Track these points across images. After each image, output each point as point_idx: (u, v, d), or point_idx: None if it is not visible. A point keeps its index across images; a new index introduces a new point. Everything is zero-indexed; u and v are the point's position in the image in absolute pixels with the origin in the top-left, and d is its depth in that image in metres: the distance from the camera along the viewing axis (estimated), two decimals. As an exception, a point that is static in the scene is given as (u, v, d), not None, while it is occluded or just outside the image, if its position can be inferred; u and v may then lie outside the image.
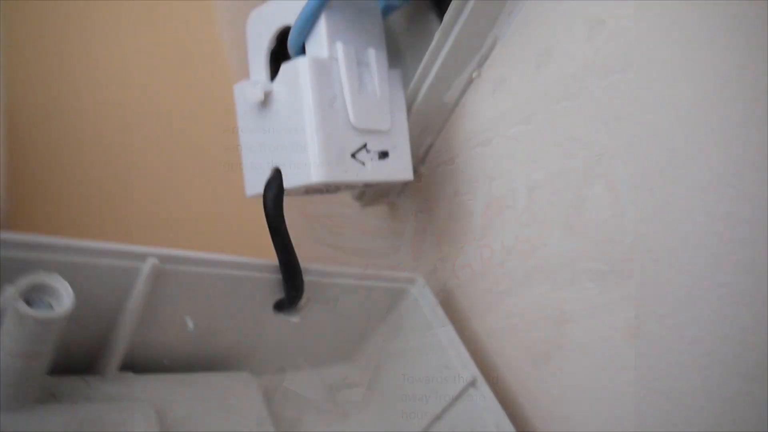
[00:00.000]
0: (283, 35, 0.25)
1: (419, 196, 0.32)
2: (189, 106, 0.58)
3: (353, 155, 0.24)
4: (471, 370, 0.27)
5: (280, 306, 0.26)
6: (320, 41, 0.24)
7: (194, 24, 0.61)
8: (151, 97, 0.55)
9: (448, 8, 0.24)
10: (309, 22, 0.24)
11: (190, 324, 0.24)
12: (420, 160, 0.30)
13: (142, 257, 0.21)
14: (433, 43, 0.25)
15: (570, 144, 0.23)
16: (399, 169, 0.26)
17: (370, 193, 0.33)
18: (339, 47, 0.24)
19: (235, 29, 0.64)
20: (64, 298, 0.19)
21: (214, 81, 0.63)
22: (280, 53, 0.26)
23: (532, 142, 0.25)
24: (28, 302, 0.18)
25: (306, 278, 0.25)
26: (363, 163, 0.24)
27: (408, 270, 0.31)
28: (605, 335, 0.23)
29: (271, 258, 0.25)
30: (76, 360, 0.23)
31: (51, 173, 0.51)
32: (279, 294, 0.26)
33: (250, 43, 0.27)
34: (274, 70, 0.26)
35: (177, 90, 0.59)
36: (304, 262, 0.25)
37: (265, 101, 0.24)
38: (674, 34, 0.20)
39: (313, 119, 0.23)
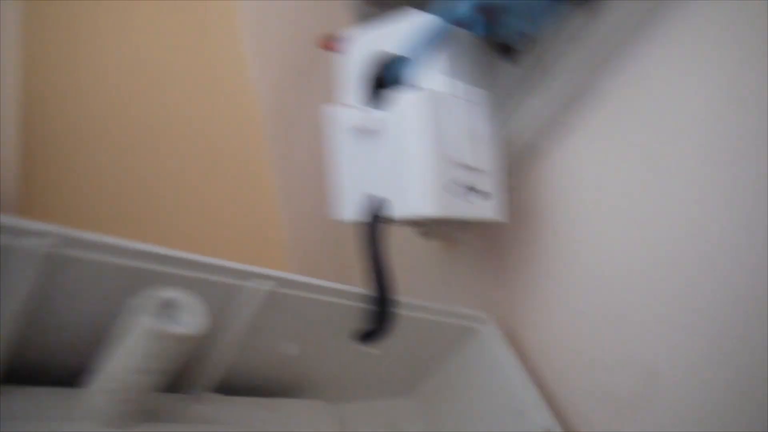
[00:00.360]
0: (384, 62, 0.26)
1: (489, 236, 0.32)
2: (209, 112, 0.59)
3: (461, 193, 0.24)
4: (546, 419, 0.26)
5: (366, 336, 0.26)
6: (437, 75, 0.24)
7: (215, 30, 0.63)
8: (172, 104, 0.56)
9: (557, 57, 0.25)
10: (427, 56, 0.24)
11: (294, 349, 0.23)
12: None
13: (263, 278, 0.21)
14: (542, 95, 0.26)
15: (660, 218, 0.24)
16: (498, 209, 0.26)
17: (436, 229, 0.33)
18: (451, 82, 0.24)
19: (257, 38, 0.65)
20: (197, 315, 0.18)
21: (236, 88, 0.64)
22: (379, 80, 0.26)
23: (627, 207, 0.25)
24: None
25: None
26: (469, 202, 0.25)
27: (472, 308, 0.30)
28: (702, 390, 0.23)
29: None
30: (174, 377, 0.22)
31: (65, 163, 0.50)
32: (356, 323, 0.25)
33: (346, 66, 0.27)
34: (370, 97, 0.26)
35: (199, 97, 0.59)
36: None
37: (372, 129, 0.24)
38: None
39: (429, 154, 0.23)
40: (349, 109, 0.26)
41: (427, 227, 0.33)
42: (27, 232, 0.17)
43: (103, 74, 0.53)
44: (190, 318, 0.18)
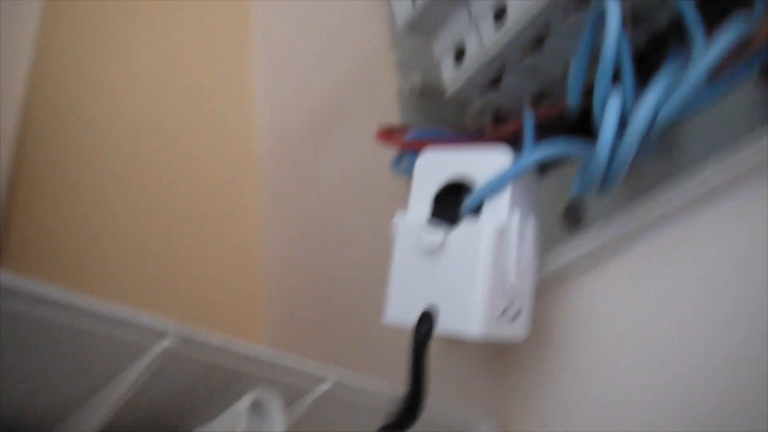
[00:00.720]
0: (459, 186, 0.28)
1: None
2: (206, 163, 0.58)
3: (500, 315, 0.27)
4: None
5: (390, 428, 0.27)
6: (502, 208, 0.26)
7: (223, 68, 0.62)
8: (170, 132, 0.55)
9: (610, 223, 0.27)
10: (497, 190, 0.26)
11: None
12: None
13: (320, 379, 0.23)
14: (590, 233, 0.28)
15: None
16: (520, 328, 0.29)
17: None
18: (515, 217, 0.27)
19: (271, 83, 0.65)
20: (277, 416, 0.20)
21: (239, 133, 0.63)
22: (445, 197, 0.28)
23: (631, 344, 0.28)
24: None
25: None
26: (504, 323, 0.27)
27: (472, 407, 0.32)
28: None
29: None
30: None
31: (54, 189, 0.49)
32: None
33: (417, 179, 0.29)
34: (436, 212, 0.28)
35: (198, 148, 0.58)
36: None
37: (436, 250, 0.27)
38: None
39: (484, 281, 0.25)
40: (420, 223, 0.28)
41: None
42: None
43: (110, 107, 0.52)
44: (270, 417, 0.20)
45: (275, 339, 0.56)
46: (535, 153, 0.26)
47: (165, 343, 0.18)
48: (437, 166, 0.29)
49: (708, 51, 0.21)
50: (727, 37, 0.20)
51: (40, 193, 0.47)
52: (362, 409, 0.25)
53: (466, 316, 0.25)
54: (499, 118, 0.35)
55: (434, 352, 0.38)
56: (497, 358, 0.34)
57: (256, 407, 0.20)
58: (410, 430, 0.29)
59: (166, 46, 0.58)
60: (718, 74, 0.23)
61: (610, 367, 0.29)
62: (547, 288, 0.32)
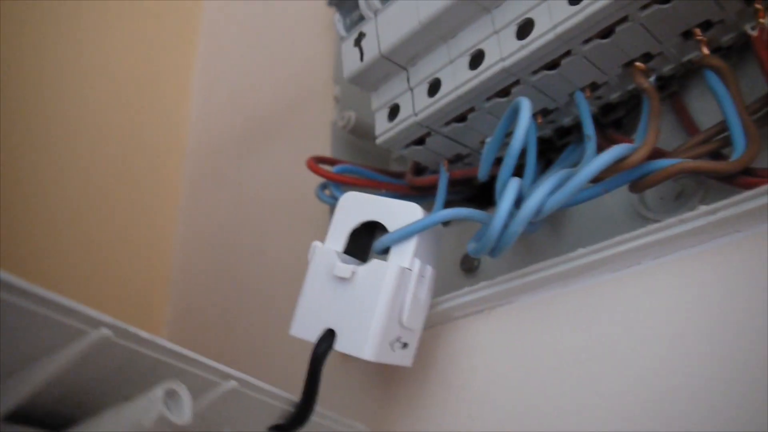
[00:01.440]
0: (373, 229, 0.32)
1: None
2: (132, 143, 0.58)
3: (390, 344, 0.31)
4: None
5: (278, 429, 0.31)
6: (406, 253, 0.31)
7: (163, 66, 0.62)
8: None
9: (500, 276, 0.32)
10: (405, 238, 0.31)
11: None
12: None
13: (224, 377, 0.26)
14: (476, 286, 0.33)
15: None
16: (407, 357, 0.33)
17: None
18: (417, 263, 0.31)
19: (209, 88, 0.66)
20: (186, 408, 0.23)
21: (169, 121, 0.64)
22: (359, 233, 0.32)
23: (501, 386, 0.33)
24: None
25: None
26: (393, 351, 0.31)
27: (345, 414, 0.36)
28: None
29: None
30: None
31: None
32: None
33: (337, 215, 0.33)
34: (350, 245, 0.32)
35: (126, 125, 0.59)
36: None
37: (344, 278, 0.30)
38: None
39: (382, 313, 0.30)
40: (333, 253, 0.31)
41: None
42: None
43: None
44: (179, 408, 0.23)
45: (172, 335, 0.58)
46: (441, 214, 0.30)
47: (103, 331, 0.21)
48: (358, 206, 0.33)
49: (592, 163, 0.26)
50: (608, 157, 0.26)
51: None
52: (258, 408, 0.28)
53: (362, 340, 0.29)
54: (418, 170, 0.40)
55: (334, 364, 0.42)
56: (388, 378, 0.38)
57: (170, 395, 0.23)
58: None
59: (109, 40, 0.59)
60: (601, 177, 0.29)
61: (481, 397, 0.34)
62: (439, 323, 0.36)
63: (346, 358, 0.42)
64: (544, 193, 0.27)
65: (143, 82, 0.62)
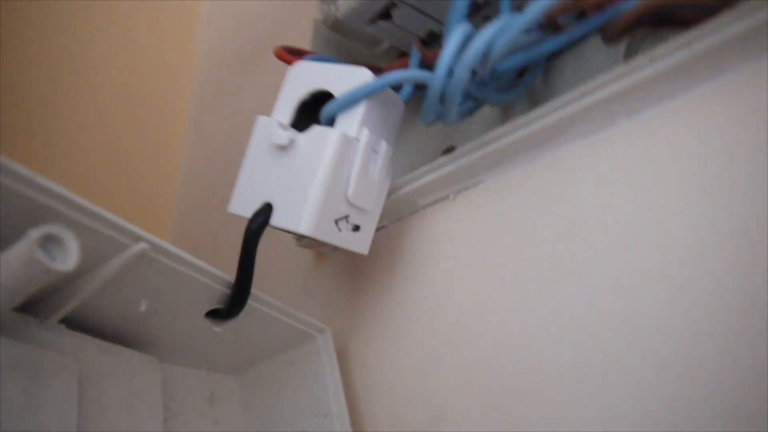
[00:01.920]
0: (318, 94, 0.29)
1: (352, 259, 0.36)
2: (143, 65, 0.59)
3: (336, 221, 0.28)
4: (345, 426, 0.31)
5: (215, 314, 0.29)
6: (352, 121, 0.28)
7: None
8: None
9: (462, 146, 0.29)
10: (351, 104, 0.28)
11: (144, 306, 0.26)
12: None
13: (136, 238, 0.23)
14: (437, 161, 0.30)
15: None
16: (361, 242, 0.30)
17: (310, 240, 0.36)
18: (365, 132, 0.28)
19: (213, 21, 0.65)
20: (71, 255, 0.21)
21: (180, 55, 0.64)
22: (306, 105, 0.30)
23: (469, 272, 0.30)
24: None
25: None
26: (340, 230, 0.28)
27: (315, 316, 0.34)
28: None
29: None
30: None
31: None
32: (217, 303, 0.28)
33: (285, 86, 0.30)
34: (297, 118, 0.29)
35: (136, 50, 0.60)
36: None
37: (285, 146, 0.28)
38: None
39: (322, 183, 0.27)
40: (274, 122, 0.29)
41: (305, 240, 0.36)
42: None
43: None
44: (65, 255, 0.21)
45: (176, 238, 0.57)
46: (388, 76, 0.27)
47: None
48: (307, 75, 0.30)
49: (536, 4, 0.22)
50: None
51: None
52: (189, 288, 0.26)
53: (299, 213, 0.27)
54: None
55: (306, 266, 0.40)
56: (358, 279, 0.36)
57: (51, 240, 0.21)
58: (256, 323, 0.30)
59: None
60: (563, 28, 0.25)
61: (449, 288, 0.31)
62: (406, 215, 0.33)
63: (318, 261, 0.39)
64: (490, 33, 0.23)
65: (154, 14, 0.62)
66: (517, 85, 0.31)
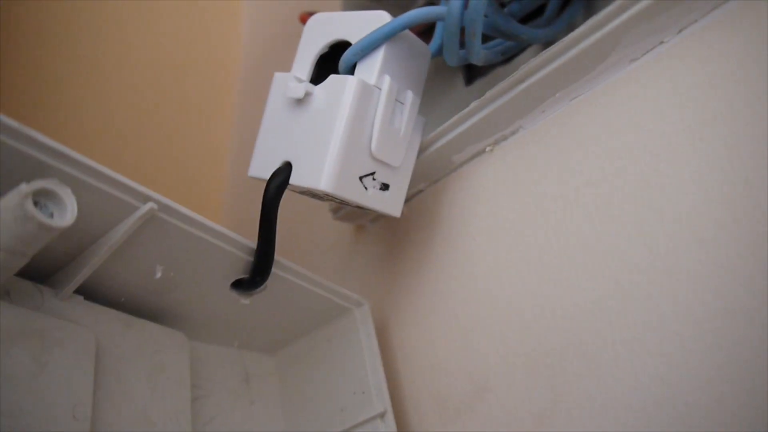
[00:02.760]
0: (335, 46, 0.27)
1: (391, 230, 0.34)
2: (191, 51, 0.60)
3: (361, 178, 0.26)
4: (385, 403, 0.29)
5: (239, 285, 0.27)
6: (372, 68, 0.26)
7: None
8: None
9: (494, 87, 0.26)
10: (369, 49, 0.25)
11: (159, 273, 0.24)
12: (406, 199, 0.32)
13: (144, 198, 0.22)
14: (467, 109, 0.27)
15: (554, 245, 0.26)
16: (392, 203, 0.28)
17: (347, 211, 0.34)
18: (386, 80, 0.26)
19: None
20: (68, 211, 0.20)
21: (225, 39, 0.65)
22: (327, 59, 0.28)
23: (515, 231, 0.27)
24: (34, 204, 0.19)
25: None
26: (366, 188, 0.26)
27: (354, 291, 0.32)
28: (519, 415, 0.25)
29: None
30: (37, 267, 0.23)
31: None
32: (242, 273, 0.27)
33: (303, 41, 0.28)
34: (316, 73, 0.28)
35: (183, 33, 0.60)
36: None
37: (302, 100, 0.26)
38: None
39: (341, 134, 0.25)
40: (294, 78, 0.27)
41: (341, 212, 0.34)
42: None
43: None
44: (63, 211, 0.19)
45: (231, 222, 0.57)
46: (405, 16, 0.25)
47: None
48: (323, 27, 0.28)
49: None
50: None
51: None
52: (209, 255, 0.25)
53: (318, 169, 0.25)
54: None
55: (347, 241, 0.38)
56: (394, 249, 0.34)
57: (49, 197, 0.19)
58: (289, 296, 0.28)
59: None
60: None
61: (488, 248, 0.28)
62: (443, 175, 0.31)
63: (357, 236, 0.37)
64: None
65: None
66: (555, 22, 0.28)
